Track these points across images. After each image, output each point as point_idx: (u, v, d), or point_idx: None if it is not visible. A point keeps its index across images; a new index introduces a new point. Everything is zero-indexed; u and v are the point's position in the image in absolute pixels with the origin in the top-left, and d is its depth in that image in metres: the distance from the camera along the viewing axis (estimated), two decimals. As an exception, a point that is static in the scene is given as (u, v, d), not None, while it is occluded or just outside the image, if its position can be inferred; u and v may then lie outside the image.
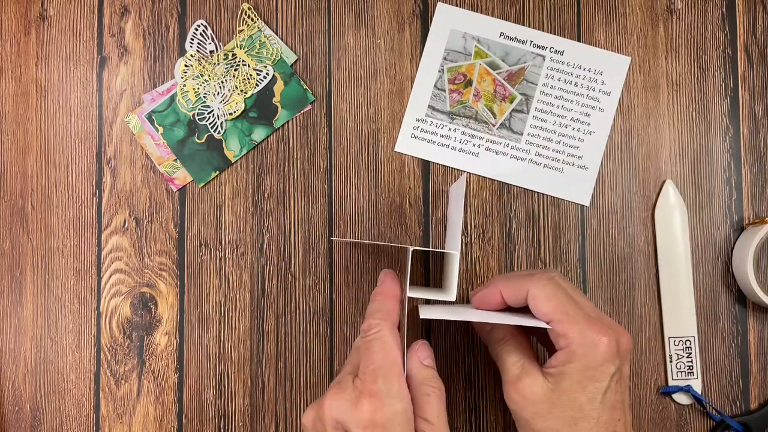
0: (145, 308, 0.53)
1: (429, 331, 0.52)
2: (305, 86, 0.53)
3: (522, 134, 0.52)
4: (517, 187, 0.52)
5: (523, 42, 0.53)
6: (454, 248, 0.43)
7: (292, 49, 0.53)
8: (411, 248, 0.43)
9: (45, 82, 0.54)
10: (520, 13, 0.53)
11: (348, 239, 0.49)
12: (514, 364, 0.41)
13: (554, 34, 0.53)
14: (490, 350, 0.44)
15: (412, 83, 0.53)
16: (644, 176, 0.52)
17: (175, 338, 0.52)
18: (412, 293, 0.42)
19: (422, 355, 0.42)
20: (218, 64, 0.53)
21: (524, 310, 0.43)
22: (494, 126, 0.53)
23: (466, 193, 0.48)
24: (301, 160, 0.53)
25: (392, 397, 0.39)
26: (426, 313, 0.41)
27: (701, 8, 0.53)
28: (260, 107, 0.53)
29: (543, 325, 0.40)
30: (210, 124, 0.53)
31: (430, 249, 0.44)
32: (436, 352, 0.51)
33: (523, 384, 0.40)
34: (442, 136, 0.52)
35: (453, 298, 0.42)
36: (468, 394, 0.51)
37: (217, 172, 0.53)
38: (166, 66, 0.53)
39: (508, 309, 0.44)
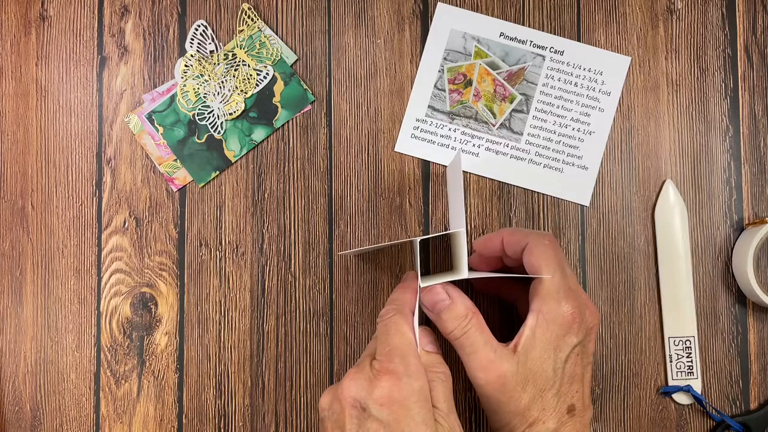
0: (145, 308, 0.53)
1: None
2: (305, 86, 0.53)
3: (522, 134, 0.52)
4: (517, 187, 0.52)
5: (523, 42, 0.53)
6: (459, 227, 0.43)
7: (292, 49, 0.53)
8: (417, 239, 0.43)
9: (45, 82, 0.54)
10: (520, 13, 0.53)
11: (354, 250, 0.49)
12: (486, 344, 0.41)
13: (554, 34, 0.53)
14: (452, 336, 0.42)
15: (412, 83, 0.53)
16: (644, 176, 0.52)
17: (175, 338, 0.52)
18: (425, 282, 0.42)
19: (424, 341, 0.43)
20: (218, 64, 0.53)
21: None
22: (494, 126, 0.53)
23: (464, 174, 0.47)
24: (301, 160, 0.53)
25: (409, 376, 0.39)
26: (426, 281, 0.42)
27: (701, 8, 0.53)
28: (260, 107, 0.53)
29: (541, 276, 0.41)
30: (210, 124, 0.53)
31: (435, 234, 0.44)
32: (436, 352, 0.51)
33: (499, 366, 0.40)
34: (442, 136, 0.52)
35: (465, 275, 0.42)
36: (468, 394, 0.51)
37: (217, 172, 0.53)
38: (166, 66, 0.53)
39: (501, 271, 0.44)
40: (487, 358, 0.41)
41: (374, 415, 0.38)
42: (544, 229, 0.52)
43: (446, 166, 0.52)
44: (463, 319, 0.42)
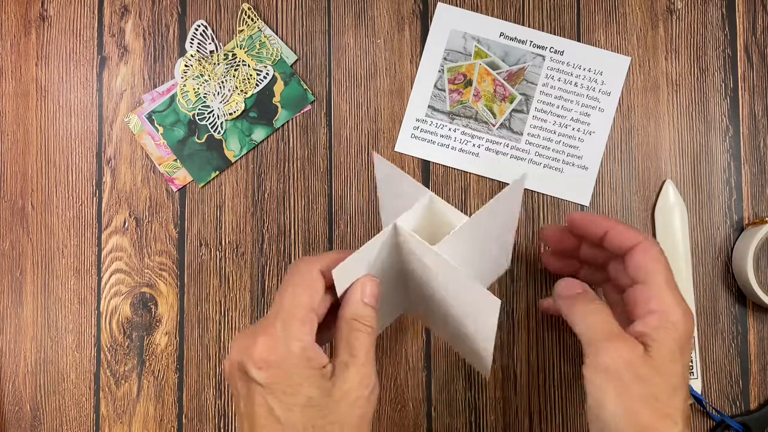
0: (145, 308, 0.53)
1: (429, 329, 0.52)
2: (305, 86, 0.53)
3: (522, 134, 0.52)
4: (517, 187, 0.52)
5: (523, 42, 0.53)
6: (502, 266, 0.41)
7: (292, 49, 0.53)
8: (429, 192, 0.40)
9: (45, 82, 0.54)
10: (520, 13, 0.53)
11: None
12: (611, 323, 0.39)
13: (554, 34, 0.53)
14: (572, 316, 0.41)
15: (412, 83, 0.53)
16: (644, 176, 0.52)
17: (175, 338, 0.52)
18: (401, 222, 0.38)
19: (365, 292, 0.40)
20: (218, 64, 0.53)
21: None
22: (494, 126, 0.53)
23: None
24: (301, 160, 0.53)
25: (289, 338, 0.36)
26: (403, 221, 0.38)
27: (701, 8, 0.53)
28: (260, 107, 0.53)
29: (495, 299, 0.37)
30: (210, 124, 0.53)
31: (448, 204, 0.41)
32: (436, 352, 0.51)
33: (623, 344, 0.38)
34: (442, 136, 0.52)
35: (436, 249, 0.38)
36: (468, 394, 0.51)
37: (217, 172, 0.53)
38: (166, 66, 0.53)
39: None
40: (611, 333, 0.39)
41: (254, 377, 0.36)
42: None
43: (447, 167, 0.52)
44: (590, 302, 0.41)
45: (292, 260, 0.52)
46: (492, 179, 0.52)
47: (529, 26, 0.53)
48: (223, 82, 0.53)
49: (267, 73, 0.53)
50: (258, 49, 0.53)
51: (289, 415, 0.36)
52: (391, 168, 0.40)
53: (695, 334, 0.51)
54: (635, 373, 0.37)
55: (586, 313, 0.40)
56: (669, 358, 0.38)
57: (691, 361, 0.51)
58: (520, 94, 0.53)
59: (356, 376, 0.37)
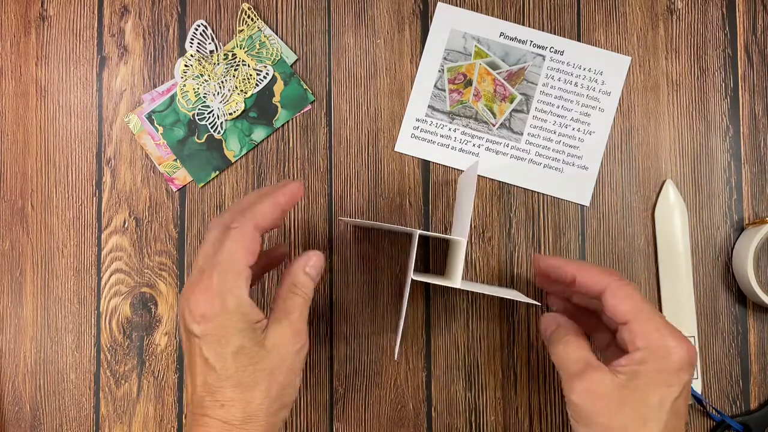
0: (145, 308, 0.53)
1: (429, 329, 0.52)
2: (305, 86, 0.53)
3: (522, 134, 0.52)
4: (517, 187, 0.52)
5: (523, 42, 0.53)
6: (461, 235, 0.43)
7: (292, 49, 0.53)
8: (417, 232, 0.43)
9: (45, 82, 0.54)
10: (520, 13, 0.53)
11: (356, 221, 0.49)
12: (579, 359, 0.40)
13: (554, 34, 0.53)
14: (550, 349, 0.43)
15: (412, 83, 0.53)
16: (644, 176, 0.52)
17: (175, 338, 0.52)
18: (416, 277, 0.42)
19: (308, 262, 0.42)
20: (218, 64, 0.53)
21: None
22: (494, 126, 0.53)
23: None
24: (301, 160, 0.53)
25: (225, 293, 0.38)
26: (418, 276, 0.42)
27: (701, 8, 0.53)
28: (260, 107, 0.53)
29: (532, 302, 0.43)
30: (210, 124, 0.53)
31: (438, 234, 0.44)
32: (436, 352, 0.51)
33: (591, 377, 0.39)
34: (442, 136, 0.52)
35: (458, 285, 0.42)
36: (468, 394, 0.51)
37: (217, 172, 0.53)
38: (166, 66, 0.53)
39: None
40: (579, 368, 0.40)
41: (193, 331, 0.38)
42: (544, 230, 0.52)
43: (447, 167, 0.52)
44: (562, 339, 0.42)
45: (293, 260, 0.52)
46: (492, 179, 0.52)
47: (529, 26, 0.53)
48: (223, 82, 0.53)
49: (267, 73, 0.53)
50: (258, 49, 0.53)
51: (222, 362, 0.38)
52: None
53: (695, 334, 0.51)
54: (605, 402, 0.38)
55: (560, 346, 0.42)
56: (644, 389, 0.38)
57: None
58: (520, 94, 0.53)
59: (288, 331, 0.40)
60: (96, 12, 0.54)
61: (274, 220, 0.41)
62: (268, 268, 0.48)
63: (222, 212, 0.44)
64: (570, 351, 0.41)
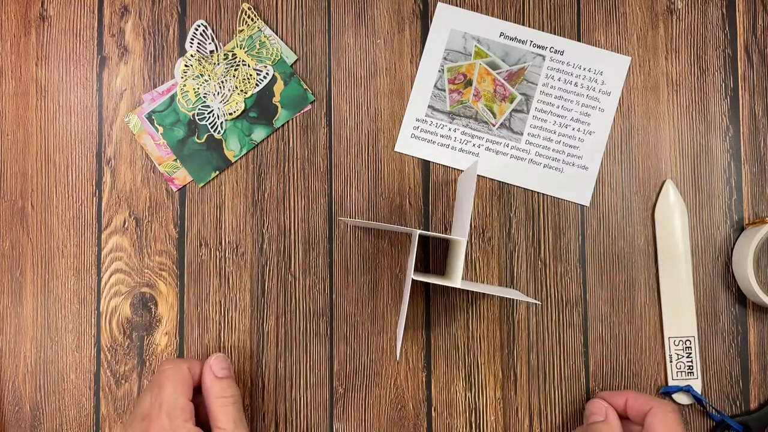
0: (145, 308, 0.53)
1: (429, 328, 0.52)
2: (305, 86, 0.53)
3: (522, 134, 0.52)
4: (517, 187, 0.52)
5: (523, 42, 0.53)
6: (461, 235, 0.43)
7: (292, 49, 0.53)
8: (417, 232, 0.43)
9: (45, 82, 0.54)
10: (520, 13, 0.53)
11: (356, 221, 0.50)
12: None
13: (554, 34, 0.53)
14: (589, 428, 0.46)
15: (412, 83, 0.53)
16: (644, 176, 0.52)
17: (175, 338, 0.52)
18: (417, 277, 0.42)
19: (216, 368, 0.47)
20: (218, 64, 0.53)
21: None
22: (494, 126, 0.53)
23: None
24: (301, 160, 0.53)
25: (176, 429, 0.43)
26: (418, 276, 0.43)
27: (701, 8, 0.53)
28: (260, 107, 0.53)
29: (532, 300, 0.45)
30: (210, 124, 0.53)
31: (437, 234, 0.44)
32: (436, 352, 0.51)
33: None
34: (442, 136, 0.52)
35: (458, 285, 0.43)
36: (468, 394, 0.51)
37: (217, 172, 0.53)
38: (166, 66, 0.53)
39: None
40: None
41: None
42: (544, 230, 0.52)
43: (447, 167, 0.52)
44: (599, 423, 0.46)
45: (292, 260, 0.52)
46: (492, 179, 0.52)
47: (529, 26, 0.53)
48: (223, 82, 0.53)
49: (267, 73, 0.53)
50: (258, 49, 0.53)
51: None
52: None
53: (695, 333, 0.51)
54: None
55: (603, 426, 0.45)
56: None
57: (691, 361, 0.51)
58: (520, 94, 0.53)
59: None
60: (96, 12, 0.54)
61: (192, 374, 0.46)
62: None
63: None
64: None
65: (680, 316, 0.51)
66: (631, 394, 0.47)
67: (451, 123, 0.52)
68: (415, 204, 0.52)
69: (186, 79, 0.53)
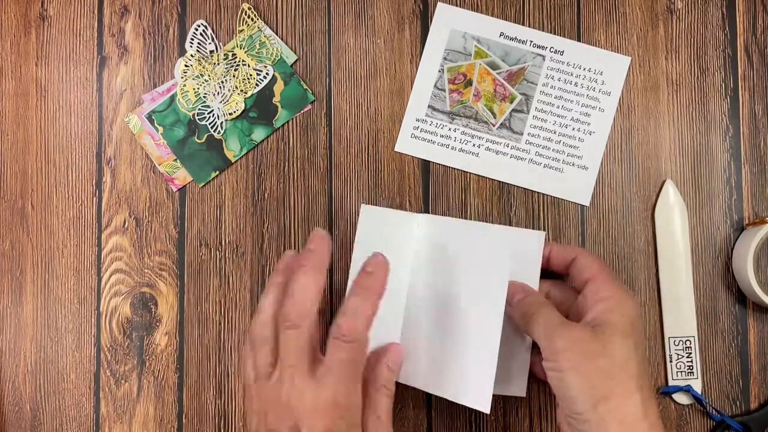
0: (145, 308, 0.53)
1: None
2: (305, 86, 0.53)
3: (522, 134, 0.52)
4: (517, 187, 0.52)
5: (523, 42, 0.53)
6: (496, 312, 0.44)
7: (292, 49, 0.53)
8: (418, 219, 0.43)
9: (45, 82, 0.54)
10: (520, 13, 0.53)
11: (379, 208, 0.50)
12: (555, 317, 0.43)
13: (554, 34, 0.53)
14: (526, 311, 0.44)
15: (412, 83, 0.53)
16: (644, 176, 0.52)
17: (175, 338, 0.52)
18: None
19: (392, 359, 0.45)
20: (218, 64, 0.53)
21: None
22: (494, 126, 0.53)
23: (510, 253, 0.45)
24: (301, 160, 0.53)
25: (350, 410, 0.41)
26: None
27: (701, 8, 0.53)
28: (260, 107, 0.53)
29: (537, 233, 0.45)
30: (210, 124, 0.53)
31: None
32: (436, 352, 0.51)
33: (570, 327, 0.42)
34: (442, 136, 0.52)
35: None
36: (468, 394, 0.51)
37: (217, 172, 0.53)
38: (166, 66, 0.53)
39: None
40: (557, 323, 0.42)
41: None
42: (543, 229, 0.52)
43: (447, 167, 0.52)
44: (536, 305, 0.44)
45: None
46: (492, 179, 0.52)
47: (529, 26, 0.53)
48: (223, 82, 0.53)
49: (267, 73, 0.53)
50: (258, 49, 0.53)
51: None
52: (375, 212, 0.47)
53: (695, 333, 0.51)
54: (587, 350, 0.41)
55: (534, 314, 0.43)
56: (619, 334, 0.41)
57: (691, 361, 0.51)
58: (520, 94, 0.53)
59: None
60: (96, 12, 0.54)
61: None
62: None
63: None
64: (552, 309, 0.43)
65: (680, 316, 0.51)
66: (554, 247, 0.47)
67: (451, 123, 0.52)
68: (415, 204, 0.52)
69: (186, 79, 0.53)
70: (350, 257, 0.52)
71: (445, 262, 0.46)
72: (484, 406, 0.42)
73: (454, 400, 0.44)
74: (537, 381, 0.51)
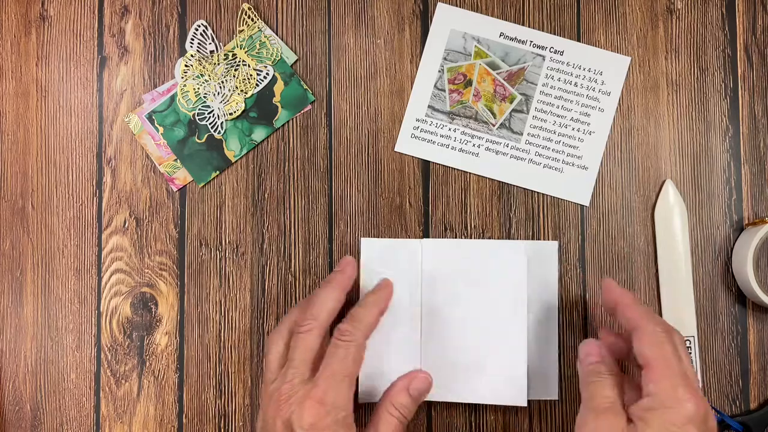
0: (145, 308, 0.53)
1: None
2: (305, 86, 0.53)
3: (522, 134, 0.52)
4: (517, 187, 0.52)
5: (523, 42, 0.53)
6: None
7: (292, 49, 0.53)
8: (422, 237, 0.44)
9: (45, 82, 0.54)
10: (520, 13, 0.53)
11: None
12: (606, 397, 0.41)
13: (554, 34, 0.53)
14: (584, 378, 0.43)
15: (412, 83, 0.53)
16: (644, 176, 0.52)
17: (176, 338, 0.52)
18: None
19: (414, 385, 0.46)
20: (218, 64, 0.53)
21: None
22: (494, 126, 0.53)
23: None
24: (301, 160, 0.53)
25: (337, 407, 0.42)
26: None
27: (701, 8, 0.53)
28: (260, 107, 0.53)
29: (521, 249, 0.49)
30: (210, 124, 0.53)
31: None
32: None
33: (607, 417, 0.40)
34: (442, 136, 0.52)
35: None
36: (468, 394, 0.51)
37: (217, 172, 0.53)
38: (167, 66, 0.53)
39: None
40: (602, 406, 0.40)
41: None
42: (543, 230, 0.52)
43: (447, 167, 0.52)
44: (599, 374, 0.42)
45: (292, 260, 0.52)
46: (492, 179, 0.52)
47: (529, 26, 0.53)
48: (223, 82, 0.53)
49: (267, 73, 0.53)
50: (258, 49, 0.53)
51: None
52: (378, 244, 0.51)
53: (695, 333, 0.51)
54: None
55: (590, 381, 0.42)
56: None
57: (691, 361, 0.51)
58: (520, 94, 0.53)
59: None
60: (96, 12, 0.54)
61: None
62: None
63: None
64: (605, 387, 0.41)
65: (680, 316, 0.51)
66: (621, 299, 0.43)
67: (451, 123, 0.53)
68: (415, 204, 0.52)
69: (186, 79, 0.53)
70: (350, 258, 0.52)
71: (458, 282, 0.50)
72: (522, 401, 0.48)
73: (493, 403, 0.49)
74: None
